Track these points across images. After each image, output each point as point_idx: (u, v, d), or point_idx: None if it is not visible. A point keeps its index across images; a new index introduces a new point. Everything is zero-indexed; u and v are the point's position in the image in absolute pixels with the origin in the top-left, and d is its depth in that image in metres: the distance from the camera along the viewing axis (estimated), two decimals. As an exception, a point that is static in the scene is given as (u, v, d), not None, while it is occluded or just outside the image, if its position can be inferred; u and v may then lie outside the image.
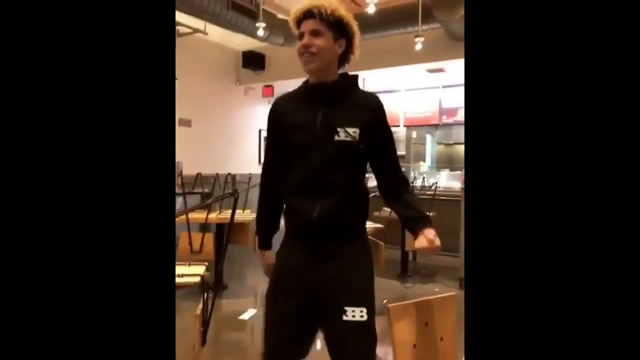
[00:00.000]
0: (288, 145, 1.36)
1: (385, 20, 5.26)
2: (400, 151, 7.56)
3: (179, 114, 6.02)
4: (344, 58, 1.39)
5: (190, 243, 3.17)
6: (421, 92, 7.00)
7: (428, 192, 4.94)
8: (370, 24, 5.14)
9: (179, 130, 5.99)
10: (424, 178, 5.58)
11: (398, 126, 7.37)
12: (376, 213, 4.65)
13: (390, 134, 1.40)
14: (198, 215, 3.43)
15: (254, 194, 3.37)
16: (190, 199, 3.83)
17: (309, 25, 1.32)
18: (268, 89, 7.20)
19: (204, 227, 3.40)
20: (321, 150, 1.30)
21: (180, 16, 4.97)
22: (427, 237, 1.28)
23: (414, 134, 7.37)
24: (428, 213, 1.36)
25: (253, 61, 6.88)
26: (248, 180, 4.47)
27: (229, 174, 4.27)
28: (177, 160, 6.18)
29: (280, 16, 5.76)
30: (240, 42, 6.41)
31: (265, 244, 1.50)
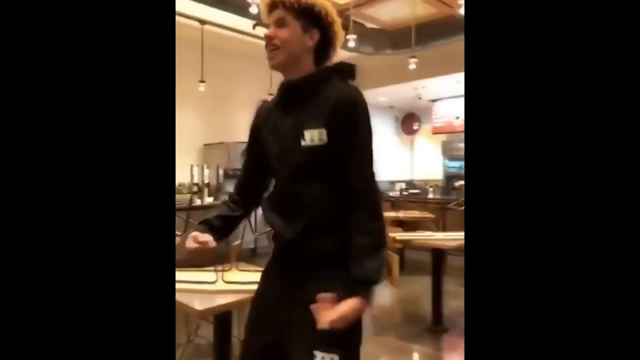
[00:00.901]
0: (266, 158, 1.22)
1: (479, 20, 5.02)
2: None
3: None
4: (322, 52, 1.19)
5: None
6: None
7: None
8: (462, 26, 4.96)
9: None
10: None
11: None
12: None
13: (362, 134, 1.11)
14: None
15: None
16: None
17: (274, 15, 1.15)
18: (359, 98, 7.16)
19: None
20: (289, 160, 1.14)
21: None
22: (339, 310, 1.01)
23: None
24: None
25: (344, 72, 6.88)
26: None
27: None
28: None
29: (370, 25, 5.80)
30: (331, 54, 6.45)
31: (206, 221, 1.24)
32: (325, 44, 1.18)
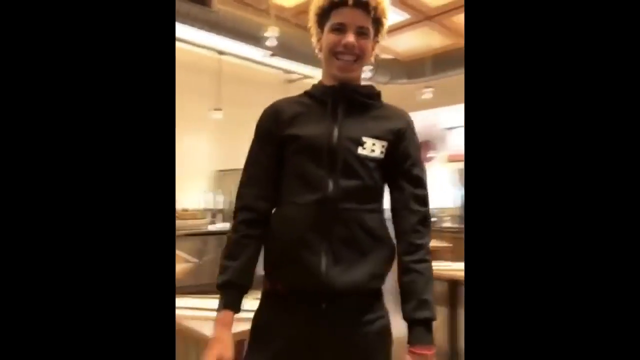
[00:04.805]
0: (286, 162, 0.98)
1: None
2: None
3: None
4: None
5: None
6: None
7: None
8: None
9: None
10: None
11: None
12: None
13: (418, 158, 1.00)
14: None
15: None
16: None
17: (356, 18, 0.95)
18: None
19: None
20: (340, 170, 0.93)
21: (291, 65, 5.32)
22: None
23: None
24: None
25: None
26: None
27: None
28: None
29: (384, 56, 5.57)
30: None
31: (234, 302, 0.96)
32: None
